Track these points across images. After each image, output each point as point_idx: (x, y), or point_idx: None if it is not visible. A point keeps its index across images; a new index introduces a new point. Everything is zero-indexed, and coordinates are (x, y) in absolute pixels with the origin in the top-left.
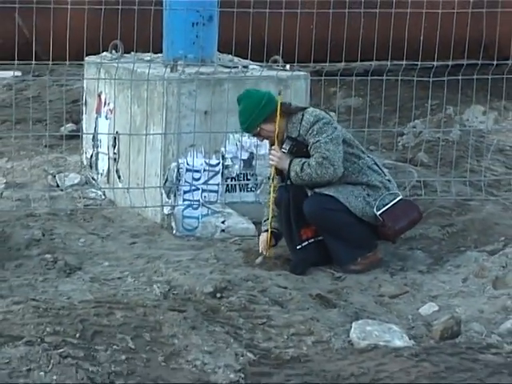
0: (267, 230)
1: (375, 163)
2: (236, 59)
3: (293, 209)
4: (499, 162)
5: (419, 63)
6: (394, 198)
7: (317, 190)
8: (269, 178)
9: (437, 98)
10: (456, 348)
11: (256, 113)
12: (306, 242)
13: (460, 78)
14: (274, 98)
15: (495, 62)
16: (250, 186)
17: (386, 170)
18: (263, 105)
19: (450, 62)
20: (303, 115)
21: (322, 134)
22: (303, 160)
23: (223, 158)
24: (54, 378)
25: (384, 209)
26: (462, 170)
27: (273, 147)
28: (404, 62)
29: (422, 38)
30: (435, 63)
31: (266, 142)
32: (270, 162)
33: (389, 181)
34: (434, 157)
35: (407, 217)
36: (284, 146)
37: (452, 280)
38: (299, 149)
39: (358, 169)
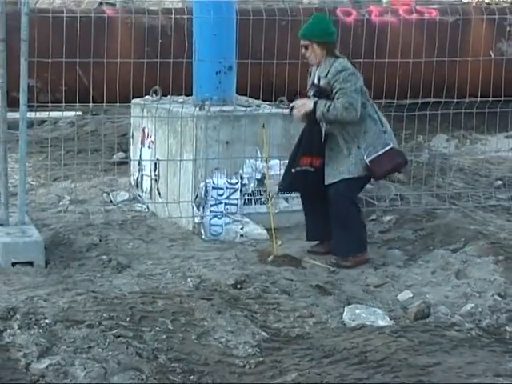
0: None
1: (376, 112)
2: (250, 100)
3: (305, 137)
4: (459, 178)
5: (395, 101)
6: (384, 147)
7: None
8: (269, 194)
9: (409, 129)
10: (427, 326)
11: (317, 31)
12: (300, 168)
13: (428, 112)
14: (334, 35)
15: (455, 100)
16: (262, 200)
17: (384, 120)
18: (326, 32)
19: (420, 100)
20: (334, 61)
21: (347, 83)
22: (328, 102)
23: (241, 178)
24: (110, 353)
25: (373, 156)
26: (430, 185)
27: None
28: (383, 101)
29: (397, 81)
30: (408, 101)
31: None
32: (296, 112)
33: (384, 132)
34: (408, 175)
35: (391, 163)
36: (309, 90)
37: (423, 272)
38: (322, 93)
39: (361, 115)
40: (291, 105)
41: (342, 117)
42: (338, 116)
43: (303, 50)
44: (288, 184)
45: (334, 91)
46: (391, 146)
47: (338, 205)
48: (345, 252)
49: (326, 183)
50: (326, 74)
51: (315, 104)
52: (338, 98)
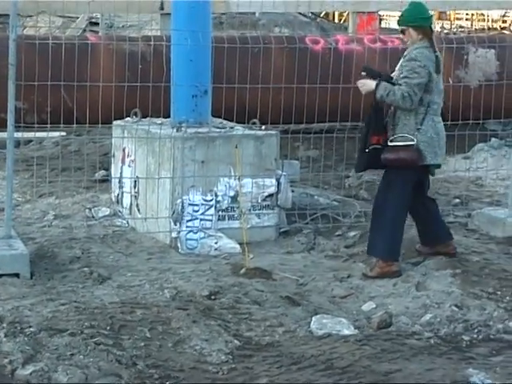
0: None
1: (425, 114)
2: (225, 122)
3: (373, 116)
4: None
5: (360, 124)
6: (404, 141)
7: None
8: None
9: None
10: (389, 335)
11: (413, 17)
12: (372, 147)
13: None
14: (429, 21)
15: None
16: (235, 216)
17: (433, 123)
18: (421, 17)
19: None
20: (417, 48)
21: (414, 74)
22: (388, 87)
23: (216, 195)
24: (91, 360)
25: (393, 144)
26: None
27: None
28: (349, 123)
29: (362, 105)
30: None
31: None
32: (360, 88)
33: (418, 129)
34: (372, 193)
35: (398, 155)
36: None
37: (386, 285)
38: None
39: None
40: (366, 66)
41: (397, 104)
42: (395, 103)
43: (401, 35)
44: (364, 163)
45: (401, 76)
46: (413, 142)
47: (384, 213)
48: (373, 251)
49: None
50: (405, 56)
51: (377, 85)
52: (400, 85)
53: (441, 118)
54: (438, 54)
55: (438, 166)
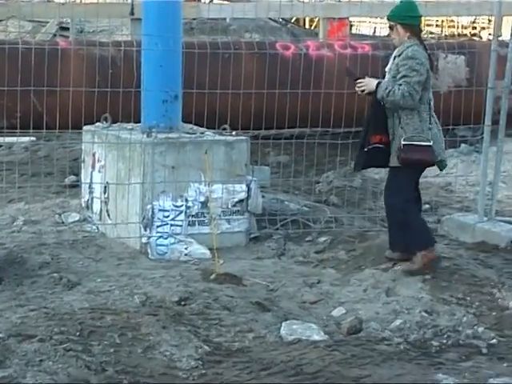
0: None
1: (430, 111)
2: (195, 127)
3: (371, 116)
4: None
5: (330, 130)
6: (423, 141)
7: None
8: (212, 216)
9: (344, 155)
10: (359, 341)
11: (403, 14)
12: (372, 146)
13: None
14: (418, 20)
15: None
16: (205, 221)
17: (433, 119)
18: (411, 15)
19: (353, 129)
20: (410, 46)
21: (413, 72)
22: (389, 87)
23: (186, 200)
24: (60, 366)
25: (408, 143)
26: (363, 208)
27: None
28: (319, 129)
29: (332, 110)
30: (342, 130)
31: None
32: (359, 89)
33: (429, 128)
34: (342, 199)
35: (417, 155)
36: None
37: (356, 290)
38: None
39: (418, 107)
40: (348, 68)
41: (399, 103)
42: (396, 102)
43: (389, 31)
44: (363, 161)
45: (399, 76)
46: (430, 143)
47: (397, 214)
48: (395, 248)
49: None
50: (400, 55)
51: (377, 85)
52: (400, 85)
53: None
54: (429, 52)
55: (445, 161)
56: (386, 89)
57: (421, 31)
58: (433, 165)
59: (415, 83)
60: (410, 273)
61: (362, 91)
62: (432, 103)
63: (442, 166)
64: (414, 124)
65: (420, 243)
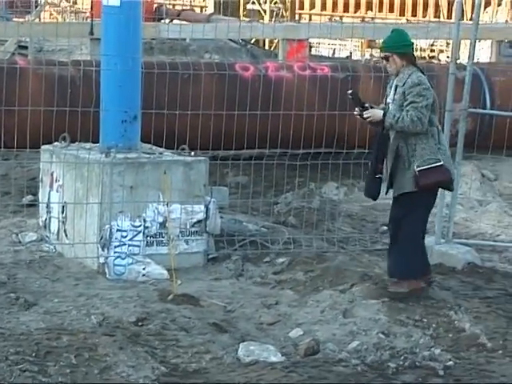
0: None
1: (438, 133)
2: (154, 147)
3: (378, 145)
4: (348, 223)
5: (289, 151)
6: (435, 163)
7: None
8: (170, 237)
9: (302, 177)
10: (316, 362)
11: (397, 43)
12: (381, 175)
13: (319, 162)
14: (412, 47)
15: (345, 150)
16: (164, 241)
17: (442, 138)
18: (405, 44)
19: (312, 150)
20: (412, 73)
21: (419, 97)
22: (397, 114)
23: (144, 221)
24: None
25: (422, 168)
26: (321, 229)
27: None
28: (278, 150)
29: (291, 132)
30: (301, 151)
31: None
32: (367, 119)
33: (439, 149)
34: (300, 220)
35: (433, 178)
36: (386, 98)
37: (313, 311)
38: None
39: (425, 131)
40: (351, 92)
41: (408, 129)
42: (405, 128)
43: (384, 62)
44: (377, 189)
45: (406, 103)
46: (441, 162)
47: (400, 229)
48: (400, 275)
49: (393, 195)
50: (403, 84)
51: (385, 114)
52: (408, 111)
53: None
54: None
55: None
56: (394, 116)
57: (415, 58)
58: (450, 183)
59: (422, 107)
60: (395, 295)
61: (369, 121)
62: (439, 126)
63: (452, 186)
64: (426, 148)
65: (415, 270)
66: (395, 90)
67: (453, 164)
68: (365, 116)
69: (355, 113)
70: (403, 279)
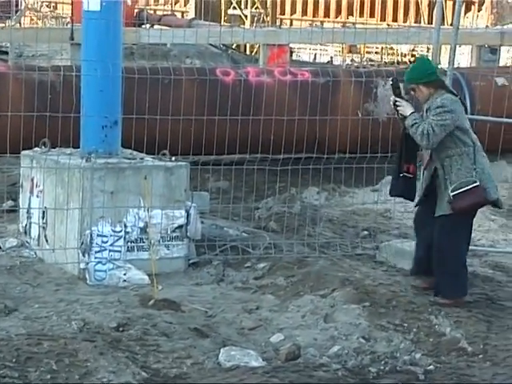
0: None
1: (474, 152)
2: (135, 153)
3: (404, 144)
4: (329, 228)
5: (270, 156)
6: (468, 185)
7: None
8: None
9: (283, 182)
10: (297, 367)
11: (420, 74)
12: (403, 175)
13: (300, 167)
14: (436, 73)
15: (326, 156)
16: (145, 247)
17: (481, 158)
18: (429, 72)
19: (293, 155)
20: (438, 97)
21: (437, 116)
22: (417, 120)
23: (125, 226)
24: None
25: (456, 192)
26: (302, 234)
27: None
28: (259, 155)
29: (272, 137)
30: (282, 156)
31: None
32: (398, 109)
33: (474, 169)
34: (281, 225)
35: (468, 201)
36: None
37: (294, 316)
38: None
39: (459, 152)
40: (393, 79)
41: (416, 139)
42: (414, 136)
43: (412, 92)
44: (399, 189)
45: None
46: (477, 183)
47: (443, 257)
48: (446, 294)
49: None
50: (429, 107)
51: (410, 114)
52: (425, 123)
53: None
54: (459, 96)
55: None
56: (415, 119)
57: (442, 81)
58: (489, 203)
59: (437, 125)
60: (436, 304)
61: (399, 112)
62: (478, 144)
63: (500, 203)
64: (461, 169)
65: (462, 291)
66: (426, 113)
67: (494, 181)
68: (397, 105)
69: (391, 100)
70: (451, 299)
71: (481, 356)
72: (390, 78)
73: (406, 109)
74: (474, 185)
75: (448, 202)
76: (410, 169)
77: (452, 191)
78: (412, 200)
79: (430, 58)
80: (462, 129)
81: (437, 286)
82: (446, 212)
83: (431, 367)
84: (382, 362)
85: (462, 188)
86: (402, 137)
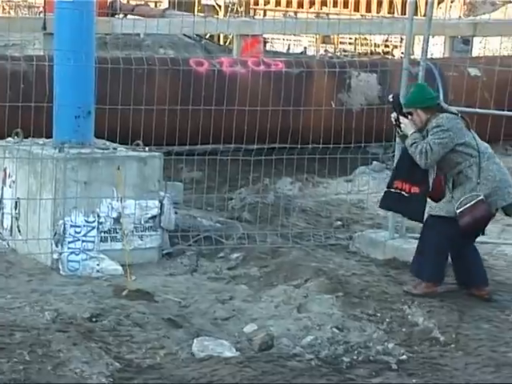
0: None
1: (479, 164)
2: (108, 143)
3: (400, 159)
4: (302, 219)
5: (243, 146)
6: (472, 200)
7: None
8: (124, 232)
9: (257, 172)
10: (270, 357)
11: (421, 98)
12: (392, 190)
13: (273, 157)
14: (435, 99)
15: (299, 146)
16: (118, 237)
17: (489, 171)
18: (429, 98)
19: (266, 146)
20: (435, 118)
21: (435, 135)
22: (417, 140)
23: (98, 216)
24: None
25: (461, 210)
26: (275, 225)
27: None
28: (233, 146)
29: (245, 127)
30: (255, 146)
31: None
32: (400, 126)
33: (478, 183)
34: (255, 215)
35: (472, 216)
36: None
37: (267, 307)
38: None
39: (468, 164)
40: (393, 95)
41: (415, 158)
42: (414, 156)
43: (409, 117)
44: (389, 203)
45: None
46: (480, 198)
47: (428, 238)
48: (421, 275)
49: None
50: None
51: (412, 133)
52: (424, 143)
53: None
54: (460, 114)
55: None
56: (414, 139)
57: (441, 107)
58: (494, 215)
59: (434, 144)
60: (406, 293)
61: (400, 130)
62: (490, 151)
63: (508, 211)
64: (462, 187)
65: (433, 275)
66: (427, 133)
67: (507, 187)
68: (400, 123)
69: (392, 116)
70: (425, 281)
71: (453, 345)
72: (391, 95)
73: (408, 128)
74: (477, 199)
75: (455, 218)
76: (406, 187)
77: (457, 208)
78: (418, 221)
79: (404, 50)
80: (463, 143)
81: (414, 264)
82: (444, 214)
83: (404, 357)
84: (355, 352)
85: (466, 205)
86: (401, 155)
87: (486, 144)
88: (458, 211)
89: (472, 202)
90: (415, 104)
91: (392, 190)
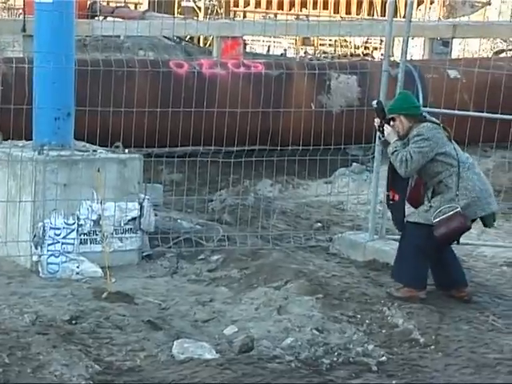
0: None
1: (459, 175)
2: (88, 145)
3: (390, 170)
4: (282, 220)
5: (223, 148)
6: (449, 211)
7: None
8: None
9: (237, 174)
10: (250, 359)
11: (406, 105)
12: (392, 202)
13: (253, 159)
14: (420, 109)
15: (279, 148)
16: (98, 239)
17: (473, 177)
18: (413, 105)
19: (246, 148)
20: (416, 127)
21: (415, 144)
22: (398, 148)
23: (78, 218)
24: None
25: (437, 220)
26: (255, 226)
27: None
28: (213, 147)
29: (225, 129)
30: (235, 148)
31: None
32: (383, 133)
33: (457, 195)
34: (235, 217)
35: (448, 228)
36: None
37: (248, 309)
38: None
39: (448, 174)
40: (377, 102)
41: (396, 166)
42: (394, 164)
43: (392, 122)
44: (394, 214)
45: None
46: (457, 209)
47: (406, 244)
48: (400, 279)
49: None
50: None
51: (394, 142)
52: (404, 151)
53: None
54: (442, 124)
55: (493, 214)
56: (396, 147)
57: (424, 117)
58: (469, 227)
59: (414, 152)
60: (389, 295)
61: (383, 137)
62: (471, 161)
63: (489, 222)
64: (441, 196)
65: (414, 279)
66: (408, 143)
67: (487, 198)
68: (384, 130)
69: (375, 123)
70: (405, 285)
71: (433, 347)
72: (375, 101)
73: (391, 136)
74: (454, 211)
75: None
76: (395, 197)
77: (434, 218)
78: (397, 229)
79: (384, 51)
80: (444, 153)
81: (394, 268)
82: (422, 221)
83: (384, 358)
84: (335, 354)
85: (443, 215)
86: (389, 167)
87: (467, 154)
88: (434, 221)
89: (449, 214)
90: (400, 110)
91: (391, 202)
